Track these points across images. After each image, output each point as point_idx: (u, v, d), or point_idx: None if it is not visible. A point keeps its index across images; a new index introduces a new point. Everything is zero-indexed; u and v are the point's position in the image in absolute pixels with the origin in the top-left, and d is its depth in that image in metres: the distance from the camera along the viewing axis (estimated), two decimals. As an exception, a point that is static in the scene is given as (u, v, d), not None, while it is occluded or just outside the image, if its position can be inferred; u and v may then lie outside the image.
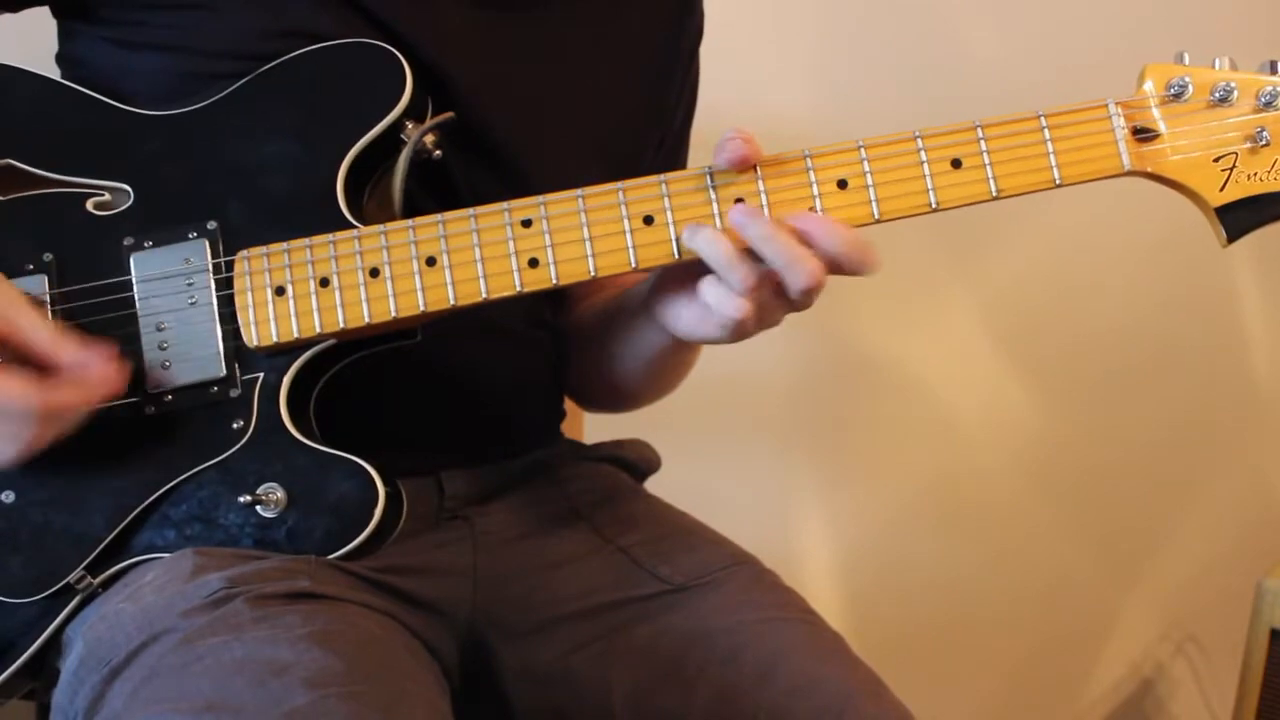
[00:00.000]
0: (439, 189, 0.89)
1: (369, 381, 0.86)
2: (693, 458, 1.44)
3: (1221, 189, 0.77)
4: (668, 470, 1.11)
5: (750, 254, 0.77)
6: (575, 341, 1.04)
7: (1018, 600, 1.87)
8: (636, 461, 1.08)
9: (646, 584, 0.94)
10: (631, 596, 0.93)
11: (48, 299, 0.83)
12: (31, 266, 0.83)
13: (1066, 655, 1.94)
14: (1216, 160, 0.77)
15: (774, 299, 0.78)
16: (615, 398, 1.09)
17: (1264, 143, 0.77)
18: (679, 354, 0.97)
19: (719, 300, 0.78)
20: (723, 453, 1.69)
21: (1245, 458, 1.95)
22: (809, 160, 0.79)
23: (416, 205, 0.86)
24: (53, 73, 0.91)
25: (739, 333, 0.80)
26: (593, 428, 1.23)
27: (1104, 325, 1.83)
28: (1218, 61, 0.78)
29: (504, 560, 0.95)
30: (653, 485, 1.10)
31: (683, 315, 0.82)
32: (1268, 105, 0.77)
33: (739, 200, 0.79)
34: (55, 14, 0.92)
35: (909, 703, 0.87)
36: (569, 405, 1.12)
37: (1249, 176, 0.77)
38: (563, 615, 0.93)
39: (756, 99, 1.55)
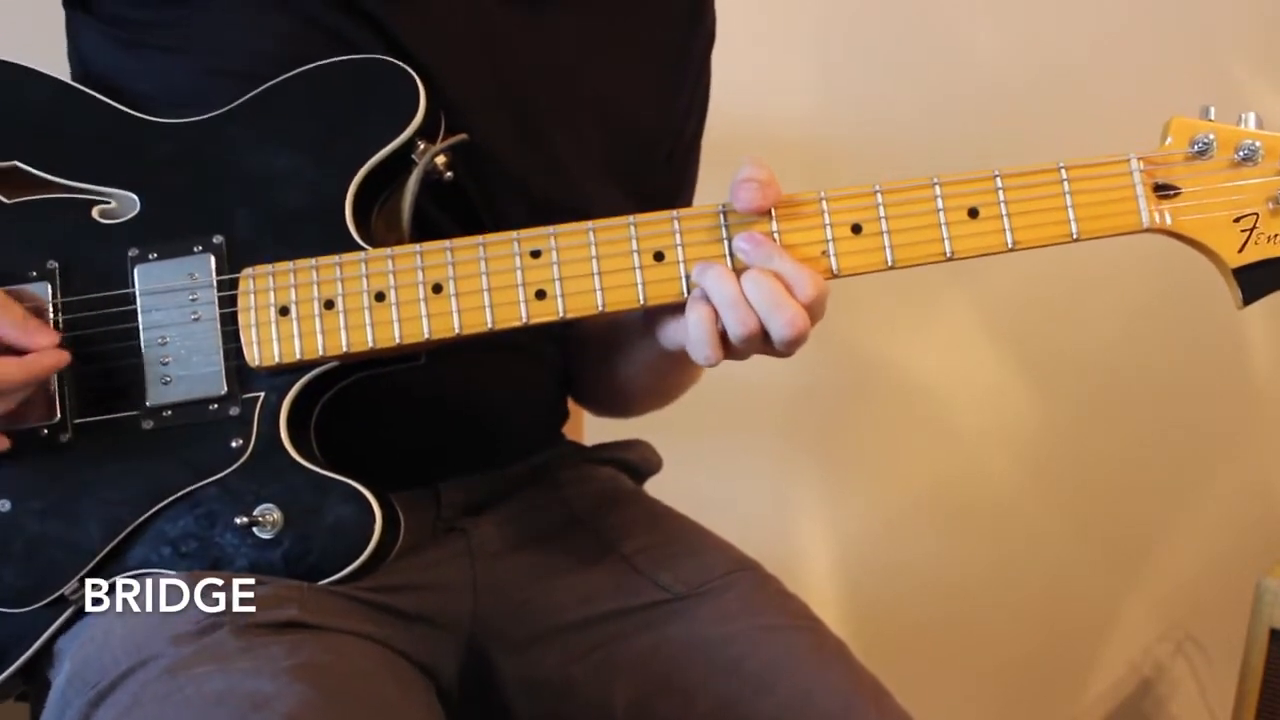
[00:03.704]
0: (448, 202, 0.90)
1: (370, 394, 0.88)
2: (694, 459, 1.47)
3: (1240, 250, 0.79)
4: (668, 471, 1.14)
5: None
6: (581, 350, 1.06)
7: (1017, 600, 1.91)
8: (637, 463, 1.11)
9: (647, 592, 0.96)
10: (632, 605, 0.96)
11: (51, 307, 0.84)
12: (35, 274, 0.85)
13: (1066, 655, 1.98)
14: (1237, 220, 0.79)
15: (761, 343, 0.81)
16: (618, 404, 1.11)
17: (1286, 205, 0.78)
18: (677, 364, 0.99)
19: (698, 333, 0.80)
20: (724, 454, 1.72)
21: (1245, 458, 1.98)
22: (824, 203, 0.80)
23: (426, 221, 0.87)
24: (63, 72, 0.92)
25: (708, 363, 0.82)
26: (593, 428, 1.26)
27: (1104, 325, 1.85)
28: (1243, 118, 0.79)
29: (502, 571, 0.97)
30: (653, 486, 1.13)
31: (668, 327, 0.85)
32: (1291, 167, 0.79)
33: None
34: (64, 4, 0.93)
35: (908, 703, 0.90)
36: (570, 405, 1.14)
37: (1269, 239, 0.78)
38: (563, 625, 0.95)
39: (759, 101, 1.56)
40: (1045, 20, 1.73)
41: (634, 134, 1.00)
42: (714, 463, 1.69)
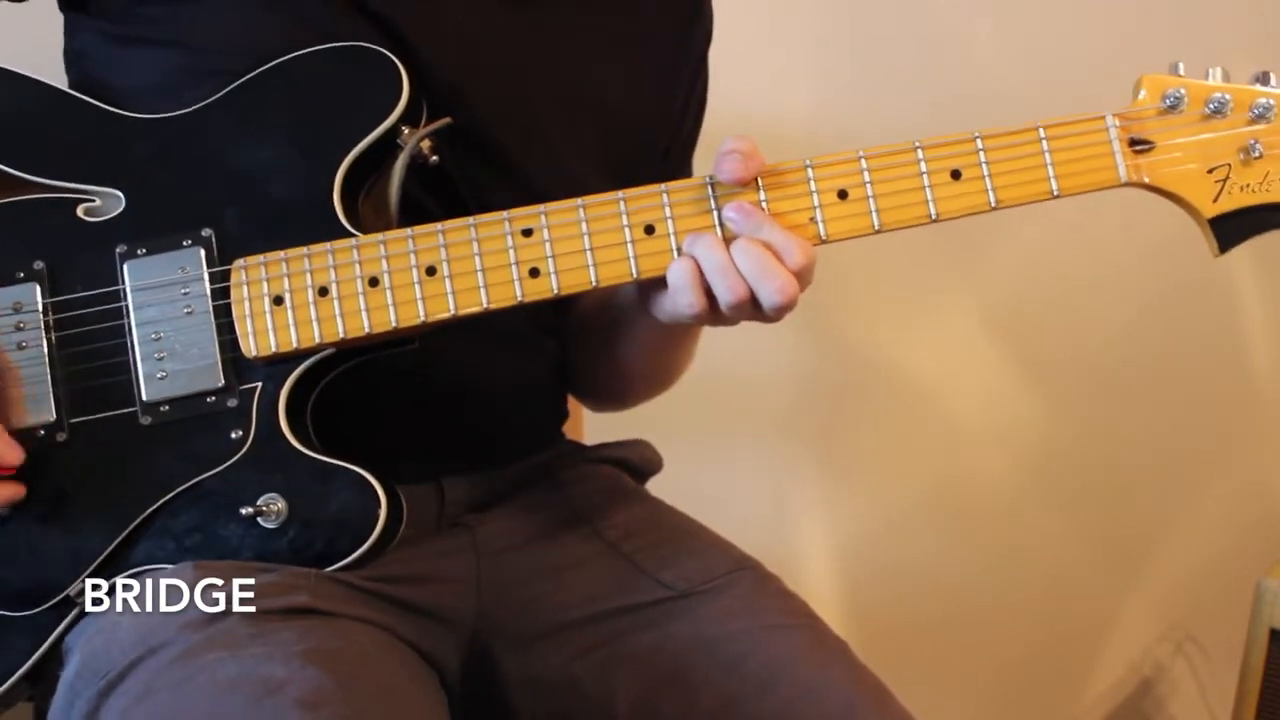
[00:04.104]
0: (436, 190, 0.93)
1: (370, 388, 0.90)
2: (694, 459, 1.49)
3: (1215, 200, 0.83)
4: (669, 471, 1.16)
5: None
6: (577, 335, 1.09)
7: (1018, 600, 1.93)
8: (638, 463, 1.13)
9: (649, 590, 0.98)
10: (634, 603, 0.98)
11: (40, 308, 0.86)
12: (23, 274, 0.87)
13: (1066, 655, 2.00)
14: (1210, 172, 0.83)
15: (751, 309, 0.83)
16: (617, 392, 1.13)
17: (1257, 155, 0.82)
18: (672, 344, 1.02)
19: (679, 280, 0.83)
20: (724, 454, 1.74)
21: (1245, 458, 2.01)
22: (810, 170, 0.84)
23: (413, 206, 0.89)
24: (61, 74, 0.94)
25: (699, 321, 0.86)
26: (593, 428, 1.27)
27: (1104, 325, 1.88)
28: (1211, 72, 0.84)
29: (506, 567, 0.99)
30: (654, 486, 1.15)
31: (662, 299, 0.87)
32: (1260, 118, 0.82)
33: None
34: (60, 6, 0.95)
35: (908, 702, 0.92)
36: (570, 405, 1.16)
37: (1241, 188, 0.82)
38: (566, 622, 0.97)
39: (757, 101, 1.59)
40: (1045, 20, 1.78)
41: (631, 132, 1.03)
42: (714, 462, 1.71)
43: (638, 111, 1.03)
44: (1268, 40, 1.83)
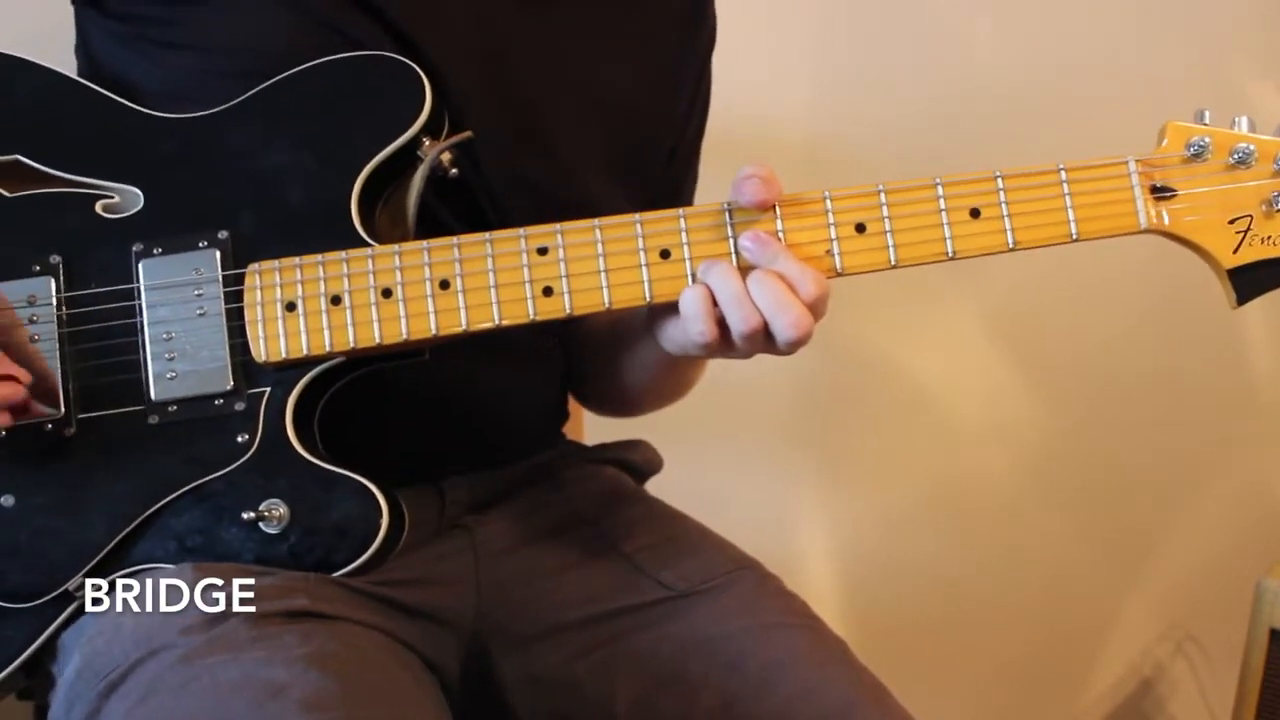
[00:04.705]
0: (449, 197, 0.94)
1: (374, 391, 0.91)
2: (694, 459, 1.51)
3: (1235, 251, 0.83)
4: (669, 471, 1.18)
5: None
6: (584, 350, 1.10)
7: (1017, 601, 1.95)
8: (639, 463, 1.15)
9: (649, 590, 1.00)
10: (634, 603, 1.00)
11: (54, 302, 0.87)
12: (39, 268, 0.88)
13: (1066, 655, 2.02)
14: (1231, 222, 0.83)
15: (764, 341, 0.84)
16: (622, 405, 1.15)
17: (1279, 207, 0.83)
18: (680, 367, 1.04)
19: (692, 309, 0.84)
20: (724, 454, 1.76)
21: (1245, 458, 2.02)
22: (828, 201, 0.84)
23: (428, 215, 0.90)
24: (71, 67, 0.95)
25: (709, 352, 0.86)
26: (593, 428, 1.29)
27: (1104, 326, 1.89)
28: (1237, 122, 0.84)
29: (506, 568, 1.01)
30: (654, 486, 1.17)
31: (669, 328, 0.88)
32: (1285, 169, 0.83)
33: None
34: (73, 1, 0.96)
35: (908, 702, 0.93)
36: (571, 405, 1.18)
37: (1263, 240, 0.83)
38: (566, 622, 0.99)
39: (757, 100, 1.60)
40: (1045, 20, 1.77)
41: (635, 133, 1.04)
42: (715, 463, 1.72)
43: (643, 111, 1.04)
44: (1266, 38, 1.82)
